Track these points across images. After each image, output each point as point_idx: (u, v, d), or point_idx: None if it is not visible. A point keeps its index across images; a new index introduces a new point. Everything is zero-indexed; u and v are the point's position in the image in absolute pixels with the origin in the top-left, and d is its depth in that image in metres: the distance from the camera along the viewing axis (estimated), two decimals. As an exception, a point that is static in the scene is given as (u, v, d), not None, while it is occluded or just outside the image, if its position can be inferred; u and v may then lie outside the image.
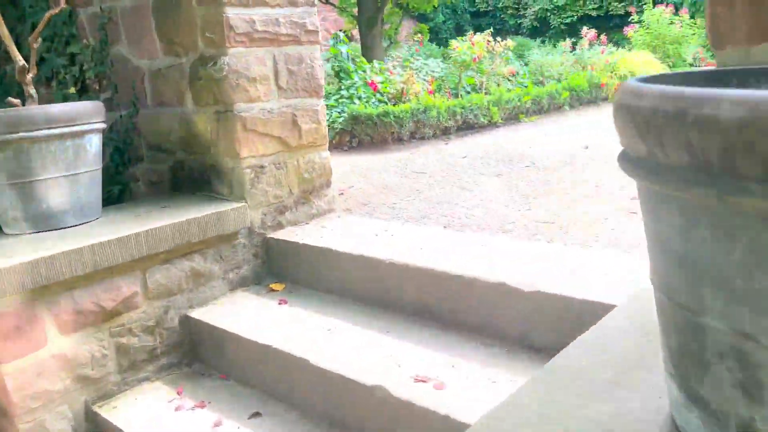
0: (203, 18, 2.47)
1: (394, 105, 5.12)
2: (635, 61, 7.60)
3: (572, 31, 19.67)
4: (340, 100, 5.38)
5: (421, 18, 15.24)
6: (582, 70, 7.12)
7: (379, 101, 5.44)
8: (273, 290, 2.51)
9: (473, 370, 1.72)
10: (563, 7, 19.56)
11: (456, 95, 5.89)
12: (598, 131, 5.02)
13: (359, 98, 5.46)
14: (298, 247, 2.50)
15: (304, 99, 2.73)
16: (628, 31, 10.47)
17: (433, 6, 9.38)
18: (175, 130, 2.76)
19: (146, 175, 2.98)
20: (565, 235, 2.31)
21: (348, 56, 6.12)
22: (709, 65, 10.57)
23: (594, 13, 18.49)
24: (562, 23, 19.65)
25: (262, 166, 2.59)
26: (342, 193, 3.43)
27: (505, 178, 3.50)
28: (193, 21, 2.51)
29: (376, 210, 3.01)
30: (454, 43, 5.92)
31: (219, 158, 2.60)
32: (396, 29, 9.09)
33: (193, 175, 2.75)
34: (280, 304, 2.36)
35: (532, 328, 1.80)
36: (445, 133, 5.45)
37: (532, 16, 20.38)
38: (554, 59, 6.95)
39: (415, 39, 9.33)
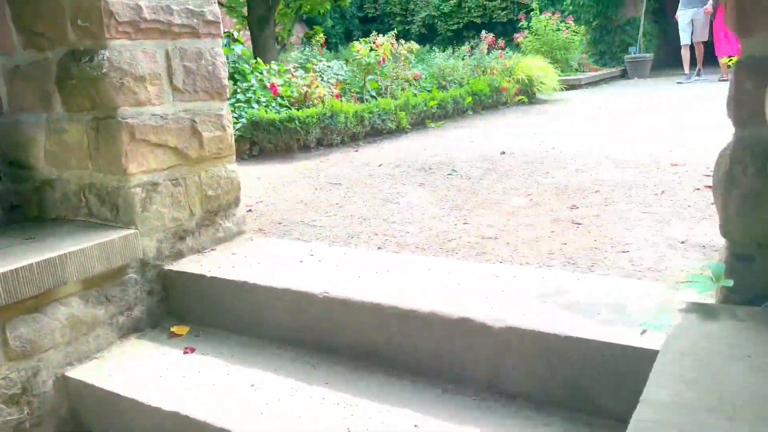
0: (74, 2, 1.98)
1: (298, 110, 4.73)
2: (531, 66, 7.73)
3: (458, 38, 20.22)
4: (237, 105, 4.90)
5: (310, 22, 14.89)
6: (482, 75, 7.11)
7: (281, 106, 5.03)
8: (175, 335, 2.06)
9: (443, 429, 1.41)
10: (449, 14, 20.03)
11: (361, 99, 5.60)
12: (507, 135, 4.94)
13: (258, 102, 5.01)
14: (204, 280, 2.07)
15: (205, 102, 2.30)
16: (518, 37, 10.77)
17: (326, 8, 9.06)
18: (40, 142, 2.23)
19: (5, 197, 2.40)
20: (515, 252, 2.07)
21: (242, 57, 5.65)
22: (592, 70, 11.14)
23: (479, 21, 19.10)
24: (448, 30, 20.11)
25: (155, 184, 2.13)
26: (250, 210, 3.01)
27: (429, 188, 3.24)
28: (61, 6, 2.01)
29: (294, 229, 2.63)
30: (357, 45, 5.64)
31: (100, 175, 2.11)
32: (289, 31, 8.68)
33: (67, 198, 2.23)
34: (185, 353, 1.93)
35: (503, 371, 1.53)
36: (353, 139, 5.15)
37: (420, 23, 20.70)
38: (456, 63, 6.86)
39: (315, 41, 8.96)
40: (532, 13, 10.59)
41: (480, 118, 6.35)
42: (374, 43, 5.64)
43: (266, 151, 4.77)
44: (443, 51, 7.81)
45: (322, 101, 4.94)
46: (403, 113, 5.47)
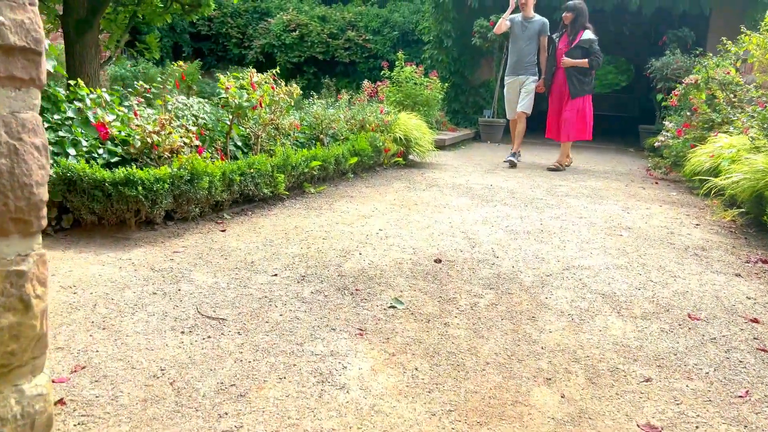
0: None
1: (140, 167, 3.23)
2: (409, 124, 6.92)
3: (298, 72, 19.25)
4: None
5: (134, 32, 12.79)
6: (361, 130, 6.09)
7: (112, 155, 3.46)
8: None
9: None
10: (290, 46, 18.99)
11: (225, 153, 4.21)
12: (417, 222, 3.93)
13: (76, 146, 3.39)
14: None
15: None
16: (380, 86, 10.02)
17: (166, 21, 7.42)
18: None
19: None
20: None
21: (55, 75, 3.97)
22: (450, 130, 10.80)
23: (320, 57, 18.41)
24: (288, 62, 19.04)
25: None
26: (61, 405, 1.55)
27: (378, 344, 2.05)
28: None
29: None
30: (223, 79, 4.26)
31: None
32: (118, 41, 6.88)
33: None
34: None
35: None
36: (216, 209, 3.73)
37: (258, 50, 19.38)
38: (337, 114, 5.73)
39: (148, 55, 7.21)
40: (396, 63, 9.92)
41: (364, 184, 5.29)
42: (250, 79, 4.30)
43: (85, 224, 3.16)
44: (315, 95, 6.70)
45: (176, 154, 3.48)
46: (282, 176, 4.19)
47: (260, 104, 4.20)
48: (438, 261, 3.05)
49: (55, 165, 3.12)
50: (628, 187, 5.90)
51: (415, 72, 9.82)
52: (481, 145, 10.69)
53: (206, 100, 4.53)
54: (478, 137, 11.40)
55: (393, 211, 4.21)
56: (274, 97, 4.43)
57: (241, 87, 4.37)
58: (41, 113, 3.50)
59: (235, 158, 4.52)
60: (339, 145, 5.40)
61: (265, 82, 4.36)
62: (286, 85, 4.67)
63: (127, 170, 3.06)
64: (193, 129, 3.60)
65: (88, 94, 3.82)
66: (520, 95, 7.25)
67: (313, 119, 5.47)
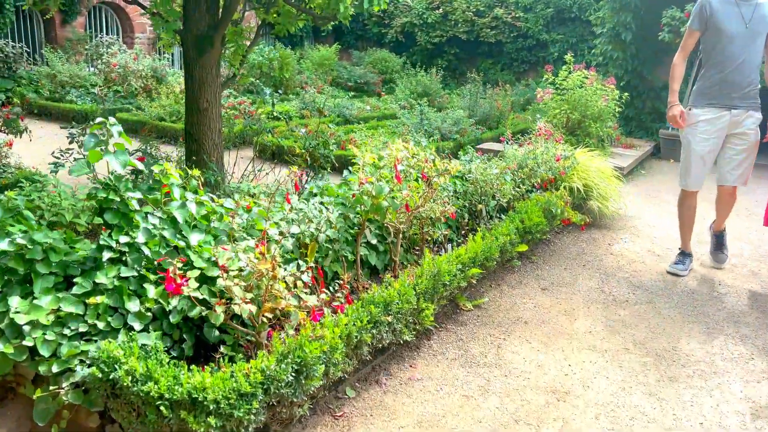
0: None
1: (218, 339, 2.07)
2: (588, 168, 5.27)
3: (439, 52, 17.73)
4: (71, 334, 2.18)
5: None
6: (529, 188, 4.58)
7: (181, 312, 2.32)
8: None
9: None
10: (432, 25, 17.55)
11: (353, 277, 2.94)
12: (641, 400, 2.43)
13: (138, 298, 2.30)
14: None
15: None
16: (544, 96, 8.29)
17: (298, 27, 6.22)
18: None
19: None
20: None
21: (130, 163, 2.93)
22: (625, 146, 8.83)
23: (464, 37, 16.86)
24: (429, 41, 17.72)
25: None
26: None
27: None
28: None
29: None
30: (357, 153, 2.99)
31: None
32: (244, 56, 5.85)
33: None
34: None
35: None
36: (333, 386, 2.50)
37: (399, 29, 18.16)
38: (500, 175, 4.24)
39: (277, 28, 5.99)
40: (564, 66, 8.11)
41: (537, 282, 3.82)
42: (393, 160, 2.98)
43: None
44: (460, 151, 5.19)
45: (279, 319, 2.27)
46: (430, 306, 2.87)
47: (407, 207, 2.87)
48: None
49: (93, 345, 2.04)
50: None
51: (587, 78, 7.96)
52: (663, 166, 8.63)
53: (332, 198, 3.22)
54: (657, 151, 9.29)
55: (593, 372, 2.72)
56: (427, 193, 3.08)
57: (378, 162, 3.07)
58: (107, 226, 2.42)
59: (367, 266, 3.25)
60: (503, 222, 3.94)
61: (428, 159, 3.00)
62: (428, 151, 3.28)
63: (193, 381, 1.88)
64: (306, 279, 2.33)
65: (198, 193, 2.70)
66: (728, 149, 3.95)
67: (470, 186, 4.06)
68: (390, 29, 18.19)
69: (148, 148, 4.85)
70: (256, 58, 13.19)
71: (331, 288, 2.79)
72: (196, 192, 2.83)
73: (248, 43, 5.83)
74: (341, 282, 2.72)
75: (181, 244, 2.52)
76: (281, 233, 2.62)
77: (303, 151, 4.77)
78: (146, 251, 2.43)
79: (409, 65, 16.41)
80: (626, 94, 8.00)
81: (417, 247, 3.59)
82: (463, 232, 4.06)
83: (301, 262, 2.48)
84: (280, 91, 13.61)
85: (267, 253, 2.25)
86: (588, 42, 15.41)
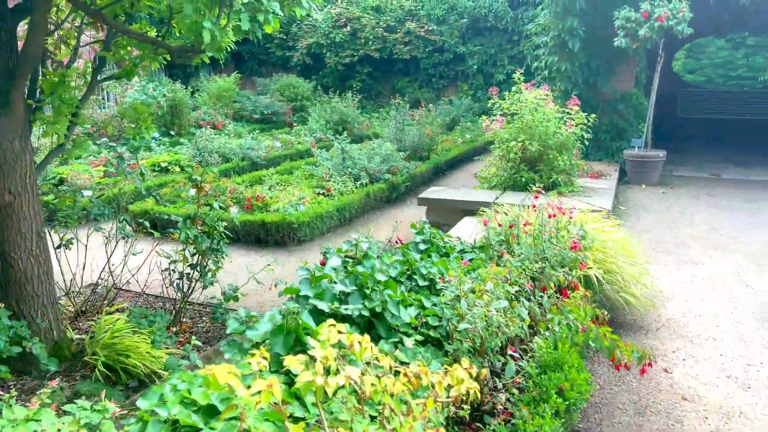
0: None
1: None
2: (605, 243, 3.62)
3: (351, 72, 16.03)
4: None
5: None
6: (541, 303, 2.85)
7: None
8: None
9: None
10: (341, 44, 15.85)
11: None
12: None
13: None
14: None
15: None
16: (491, 126, 6.64)
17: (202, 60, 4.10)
18: None
19: None
20: None
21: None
22: (591, 176, 7.37)
23: (376, 55, 15.38)
24: (339, 62, 16.08)
25: None
26: None
27: None
28: None
29: None
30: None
31: None
32: (75, 112, 3.71)
33: None
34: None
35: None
36: None
37: (304, 50, 16.42)
38: (509, 313, 2.40)
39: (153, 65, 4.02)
40: (513, 86, 6.53)
41: None
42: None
43: None
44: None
45: None
46: None
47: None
48: None
49: None
50: None
51: (543, 99, 6.42)
52: (638, 195, 7.25)
53: None
54: (623, 176, 7.92)
55: None
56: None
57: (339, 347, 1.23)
58: None
59: None
60: (531, 402, 2.17)
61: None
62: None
63: None
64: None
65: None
66: None
67: (474, 335, 2.25)
68: (295, 51, 16.32)
69: None
70: (138, 97, 10.91)
71: None
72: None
73: (81, 94, 3.70)
74: None
75: None
76: None
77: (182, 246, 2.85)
78: None
79: (321, 90, 14.51)
80: (593, 115, 6.50)
81: None
82: None
83: None
84: (172, 132, 11.35)
85: None
86: (507, 52, 14.24)
